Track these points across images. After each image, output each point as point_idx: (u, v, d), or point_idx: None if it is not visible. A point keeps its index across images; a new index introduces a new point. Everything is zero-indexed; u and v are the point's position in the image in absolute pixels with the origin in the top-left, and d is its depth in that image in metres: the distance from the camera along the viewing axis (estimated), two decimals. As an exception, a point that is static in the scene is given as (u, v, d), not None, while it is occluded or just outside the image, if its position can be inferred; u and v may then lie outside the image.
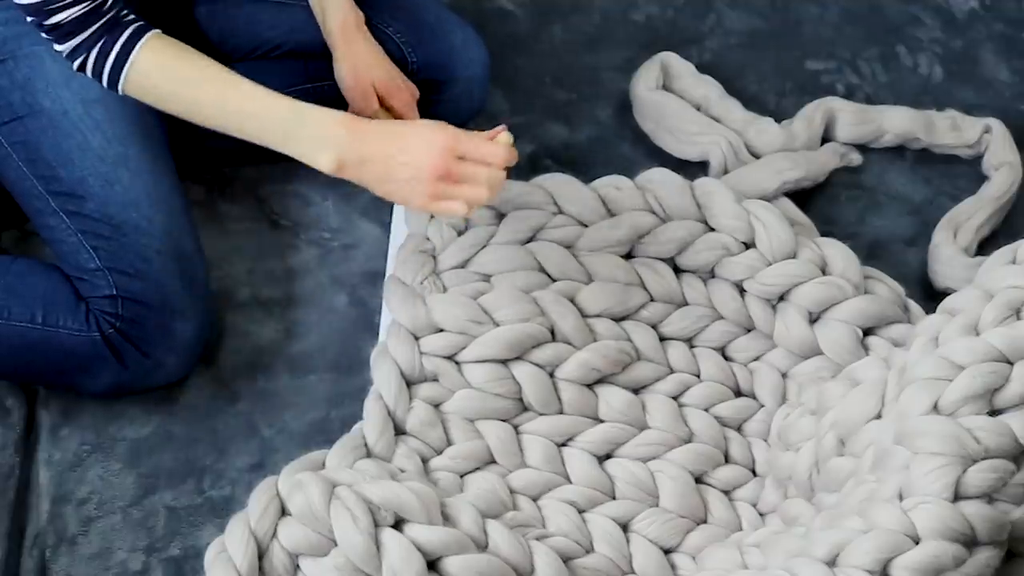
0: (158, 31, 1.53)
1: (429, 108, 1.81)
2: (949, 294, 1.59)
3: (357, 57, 1.71)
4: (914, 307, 1.72)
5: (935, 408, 1.42)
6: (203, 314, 1.65)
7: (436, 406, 1.62)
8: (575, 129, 1.97)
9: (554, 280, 1.68)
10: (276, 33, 1.74)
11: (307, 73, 1.80)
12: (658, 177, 1.74)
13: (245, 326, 1.74)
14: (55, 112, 1.60)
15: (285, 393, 1.69)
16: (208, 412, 1.67)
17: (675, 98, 1.94)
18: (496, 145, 1.53)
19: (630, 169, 1.78)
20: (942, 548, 1.34)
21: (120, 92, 1.53)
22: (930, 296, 1.79)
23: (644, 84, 1.95)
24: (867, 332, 1.68)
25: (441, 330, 1.62)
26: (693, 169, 1.87)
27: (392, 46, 1.78)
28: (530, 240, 1.70)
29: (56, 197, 1.62)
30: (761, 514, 1.61)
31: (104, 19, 1.49)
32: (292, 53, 1.77)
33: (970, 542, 1.36)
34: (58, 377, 1.65)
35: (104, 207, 1.60)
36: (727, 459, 1.66)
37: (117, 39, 1.50)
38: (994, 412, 1.42)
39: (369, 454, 1.57)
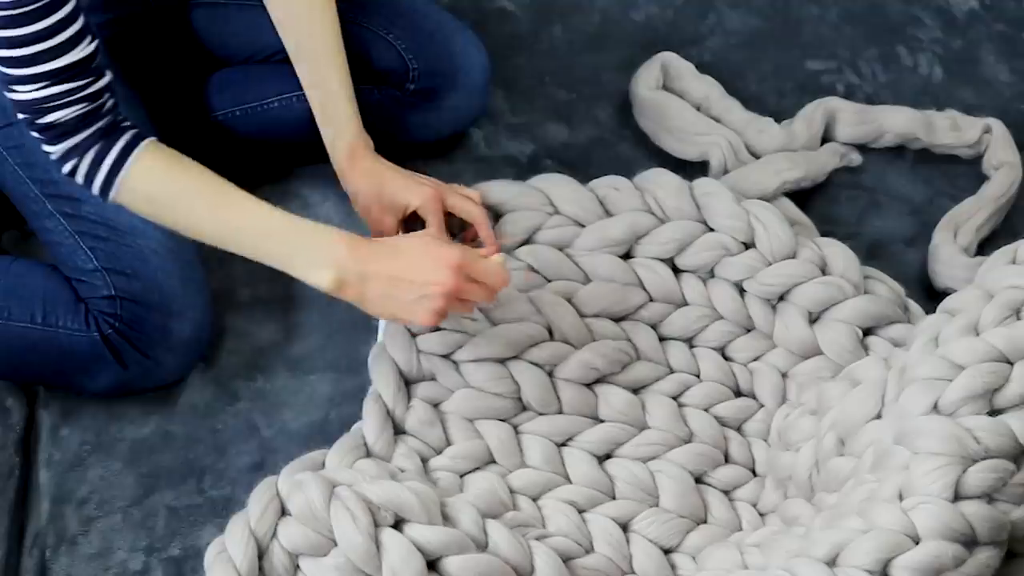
0: (154, 139, 1.48)
1: (430, 115, 1.81)
2: (949, 294, 1.59)
3: (362, 186, 1.65)
4: (914, 307, 1.72)
5: (935, 408, 1.42)
6: (202, 314, 1.65)
7: (435, 405, 1.62)
8: (575, 129, 1.97)
9: (550, 280, 1.68)
10: (275, 39, 1.72)
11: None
12: (657, 177, 1.74)
13: (245, 326, 1.74)
14: None
15: (285, 393, 1.69)
16: (208, 412, 1.67)
17: (675, 98, 1.94)
18: (497, 266, 1.51)
19: (630, 169, 1.78)
20: (942, 548, 1.34)
21: (109, 201, 1.47)
22: (930, 296, 1.79)
23: (644, 84, 1.95)
24: (867, 332, 1.68)
25: (438, 328, 1.62)
26: (693, 169, 1.87)
27: (393, 53, 1.78)
28: (527, 241, 1.70)
29: (52, 199, 1.62)
30: (761, 514, 1.61)
31: (102, 121, 1.44)
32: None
33: (970, 542, 1.36)
34: (58, 377, 1.65)
35: (101, 208, 1.60)
36: (727, 459, 1.66)
37: (112, 145, 1.45)
38: (994, 412, 1.42)
39: (369, 454, 1.57)
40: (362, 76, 1.70)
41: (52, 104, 1.41)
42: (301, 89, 1.71)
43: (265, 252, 1.48)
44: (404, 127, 1.81)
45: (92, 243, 1.60)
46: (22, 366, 1.63)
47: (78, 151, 1.45)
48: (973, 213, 1.87)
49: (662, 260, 1.70)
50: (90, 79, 1.42)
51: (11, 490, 1.60)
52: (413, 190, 1.63)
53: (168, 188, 1.47)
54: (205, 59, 1.81)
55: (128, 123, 1.47)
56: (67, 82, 1.40)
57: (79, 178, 1.47)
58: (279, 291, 1.77)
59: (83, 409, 1.66)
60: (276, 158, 1.83)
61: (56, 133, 1.44)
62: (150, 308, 1.60)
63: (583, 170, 1.80)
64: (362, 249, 1.48)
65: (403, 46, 1.78)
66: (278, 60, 1.78)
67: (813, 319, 1.69)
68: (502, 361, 1.62)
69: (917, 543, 1.35)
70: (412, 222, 1.67)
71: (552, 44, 2.06)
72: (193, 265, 1.65)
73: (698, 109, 1.95)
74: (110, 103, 1.45)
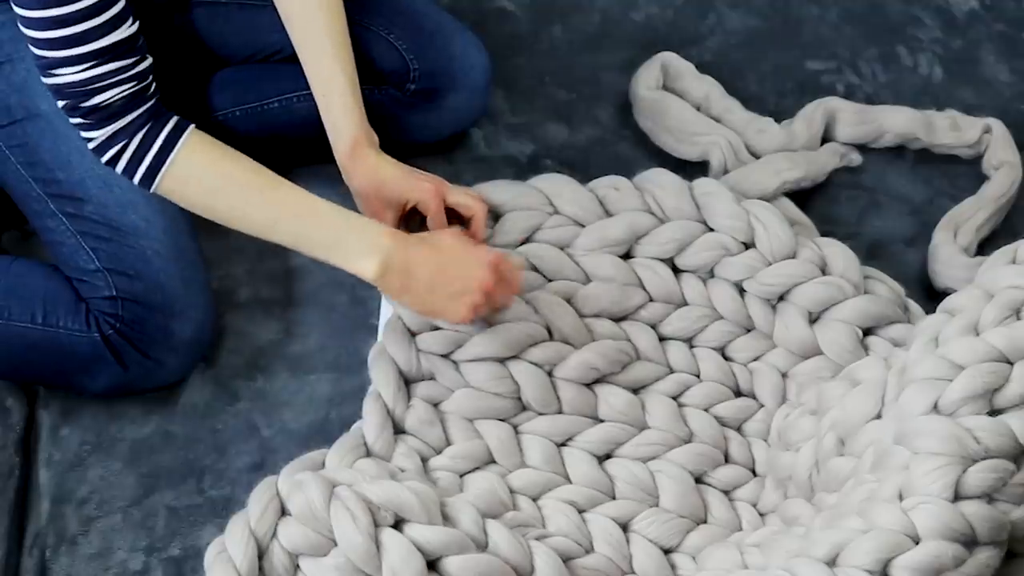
0: (194, 126, 1.49)
1: (431, 115, 1.81)
2: (949, 294, 1.59)
3: (363, 182, 1.66)
4: (914, 307, 1.72)
5: (935, 408, 1.42)
6: (203, 315, 1.65)
7: (435, 405, 1.62)
8: (575, 129, 1.97)
9: (550, 280, 1.68)
10: (277, 38, 1.73)
11: (305, 80, 1.78)
12: (657, 177, 1.74)
13: (245, 326, 1.74)
14: (53, 115, 1.59)
15: (285, 393, 1.69)
16: (208, 412, 1.67)
17: (675, 98, 1.94)
18: (519, 272, 1.59)
19: (630, 169, 1.78)
20: (942, 548, 1.34)
21: (153, 189, 1.48)
22: (930, 296, 1.79)
23: (644, 84, 1.95)
24: (867, 332, 1.68)
25: (437, 327, 1.62)
26: (693, 169, 1.87)
27: (394, 53, 1.77)
28: (527, 241, 1.70)
29: (55, 199, 1.62)
30: (761, 514, 1.61)
31: (149, 103, 1.45)
32: (292, 58, 1.76)
33: (970, 542, 1.36)
34: (58, 377, 1.65)
35: (103, 209, 1.60)
36: (727, 459, 1.66)
37: (161, 128, 1.45)
38: (994, 412, 1.42)
39: (368, 453, 1.57)
40: (363, 76, 1.69)
41: (99, 85, 1.42)
42: (302, 89, 1.71)
43: (309, 239, 1.50)
44: (404, 127, 1.81)
45: (94, 243, 1.60)
46: (22, 366, 1.63)
47: (125, 134, 1.45)
48: (973, 213, 1.87)
49: (662, 260, 1.70)
50: (136, 58, 1.43)
51: (11, 490, 1.60)
52: (413, 186, 1.64)
53: (217, 172, 1.49)
54: (206, 59, 1.81)
55: (170, 112, 1.48)
56: (114, 61, 1.41)
57: (120, 164, 1.47)
58: (279, 291, 1.77)
59: (83, 409, 1.66)
60: (276, 158, 1.83)
61: (102, 116, 1.44)
62: (152, 309, 1.60)
63: (583, 170, 1.81)
64: (406, 241, 1.51)
65: (404, 46, 1.78)
66: (279, 60, 1.79)
67: (813, 319, 1.69)
68: (502, 361, 1.62)
69: (917, 543, 1.35)
70: (411, 218, 1.67)
71: (552, 44, 2.06)
72: (195, 266, 1.65)
73: (698, 109, 1.95)
74: (155, 86, 1.46)
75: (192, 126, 1.49)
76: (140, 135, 1.46)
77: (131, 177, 1.48)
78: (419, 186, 1.64)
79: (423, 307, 1.54)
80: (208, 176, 1.49)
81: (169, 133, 1.47)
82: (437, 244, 1.54)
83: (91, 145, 1.47)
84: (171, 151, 1.46)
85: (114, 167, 1.48)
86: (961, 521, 1.35)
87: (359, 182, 1.65)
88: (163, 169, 1.47)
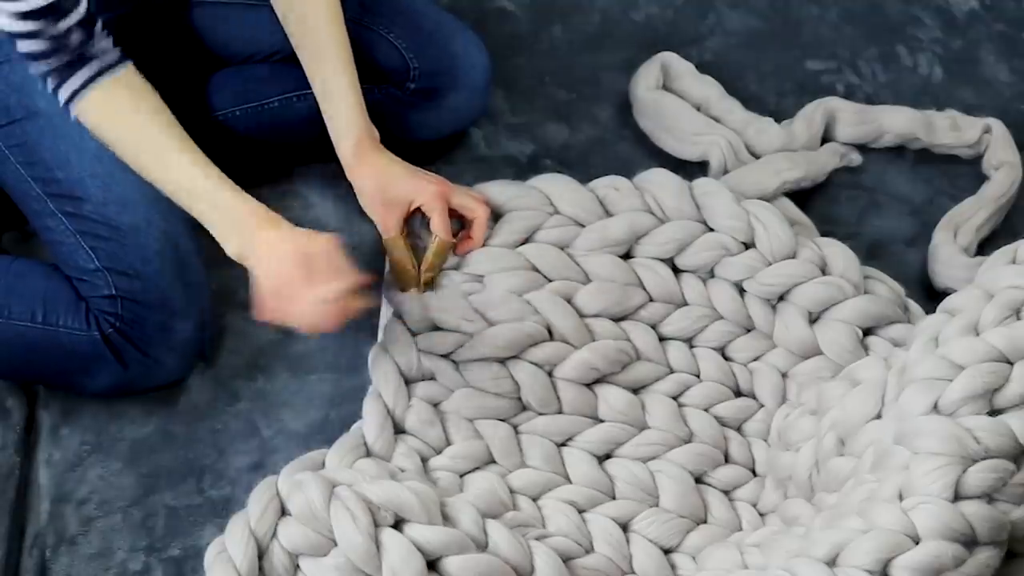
0: (127, 74, 1.49)
1: (431, 114, 1.81)
2: (949, 294, 1.59)
3: (368, 181, 1.66)
4: (914, 307, 1.72)
5: (935, 408, 1.42)
6: (202, 314, 1.65)
7: (435, 405, 1.62)
8: (575, 129, 1.97)
9: (550, 280, 1.68)
10: (276, 39, 1.72)
11: (305, 80, 1.78)
12: (656, 178, 1.74)
13: (245, 326, 1.73)
14: (52, 114, 1.59)
15: (285, 393, 1.69)
16: (208, 412, 1.67)
17: (675, 98, 1.94)
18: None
19: (630, 169, 1.78)
20: (942, 548, 1.34)
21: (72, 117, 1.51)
22: (930, 296, 1.79)
23: (644, 84, 1.95)
24: (867, 332, 1.68)
25: (438, 328, 1.62)
26: (693, 169, 1.87)
27: (395, 53, 1.77)
28: (527, 241, 1.70)
29: (54, 199, 1.62)
30: (761, 514, 1.61)
31: (68, 56, 1.46)
32: (292, 58, 1.76)
33: (970, 542, 1.36)
34: (58, 377, 1.65)
35: (102, 208, 1.60)
36: (727, 459, 1.66)
37: (74, 73, 1.47)
38: (994, 412, 1.42)
39: (368, 453, 1.57)
40: (363, 75, 1.69)
41: (19, 38, 1.44)
42: (301, 89, 1.71)
43: (197, 213, 1.52)
44: (404, 126, 1.81)
45: (93, 242, 1.60)
46: (22, 366, 1.63)
47: (49, 76, 1.47)
48: (973, 213, 1.87)
49: (662, 260, 1.70)
50: (50, 22, 1.44)
51: (11, 490, 1.60)
52: (419, 188, 1.64)
53: (113, 129, 1.50)
54: (205, 59, 1.81)
55: (101, 53, 1.47)
56: (29, 22, 1.43)
57: (59, 98, 1.48)
58: (279, 291, 1.77)
59: (83, 409, 1.66)
60: (276, 158, 1.83)
61: (28, 59, 1.47)
62: (151, 308, 1.60)
63: (583, 170, 1.80)
64: (270, 232, 1.50)
65: (404, 45, 1.78)
66: (279, 60, 1.79)
67: (813, 319, 1.69)
68: (502, 361, 1.62)
69: (917, 543, 1.35)
70: (413, 217, 1.67)
71: (552, 44, 2.06)
72: (194, 266, 1.65)
73: (698, 109, 1.95)
74: (76, 40, 1.46)
75: (113, 78, 1.48)
76: (54, 80, 1.47)
77: (55, 95, 1.48)
78: (424, 188, 1.64)
79: (276, 300, 1.51)
80: (105, 131, 1.51)
81: (84, 81, 1.47)
82: (305, 242, 1.51)
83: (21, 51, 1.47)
84: (76, 97, 1.47)
85: (45, 80, 1.48)
86: (961, 521, 1.35)
87: (364, 182, 1.65)
88: (71, 110, 1.49)
